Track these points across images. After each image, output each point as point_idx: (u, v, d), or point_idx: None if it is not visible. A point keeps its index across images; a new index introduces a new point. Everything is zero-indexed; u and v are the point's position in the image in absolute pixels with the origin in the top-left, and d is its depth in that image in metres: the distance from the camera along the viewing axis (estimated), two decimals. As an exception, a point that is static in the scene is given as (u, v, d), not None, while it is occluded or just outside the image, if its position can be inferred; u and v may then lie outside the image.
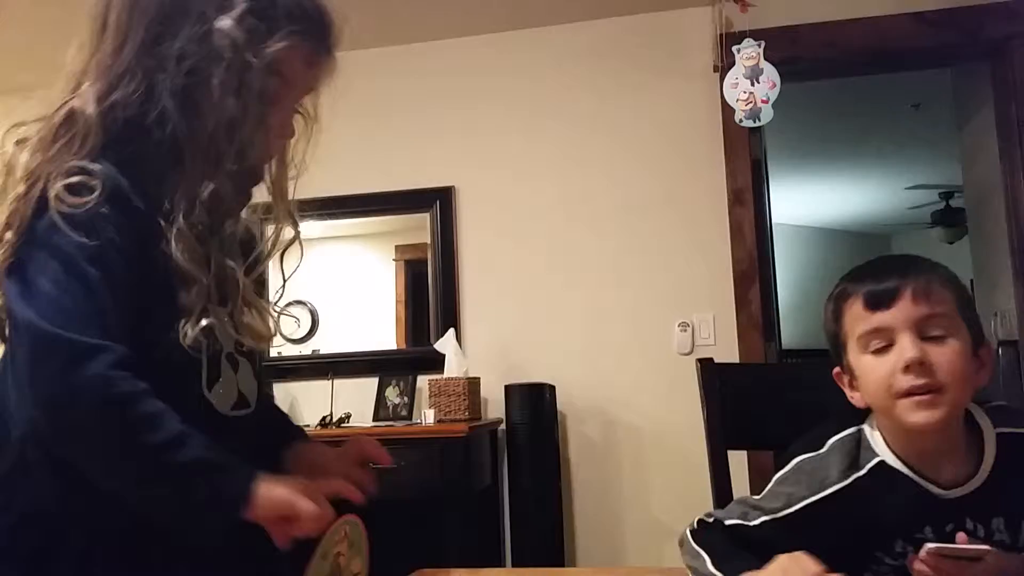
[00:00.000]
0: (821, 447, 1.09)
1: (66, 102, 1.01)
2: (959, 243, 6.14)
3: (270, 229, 1.17)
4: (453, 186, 3.44)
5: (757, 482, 1.15)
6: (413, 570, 1.30)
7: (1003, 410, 1.08)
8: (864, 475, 1.06)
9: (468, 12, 3.33)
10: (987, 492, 1.02)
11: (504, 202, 3.41)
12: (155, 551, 1.00)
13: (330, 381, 3.34)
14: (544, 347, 3.29)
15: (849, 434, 1.09)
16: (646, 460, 3.20)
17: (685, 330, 3.19)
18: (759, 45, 3.05)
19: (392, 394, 3.32)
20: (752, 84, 3.05)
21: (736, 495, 1.29)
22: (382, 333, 3.51)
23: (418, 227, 3.49)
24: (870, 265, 1.09)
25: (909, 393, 1.00)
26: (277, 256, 1.17)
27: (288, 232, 1.17)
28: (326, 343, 3.51)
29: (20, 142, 1.01)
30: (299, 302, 3.47)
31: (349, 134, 3.34)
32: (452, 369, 3.11)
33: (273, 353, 3.50)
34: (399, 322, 3.54)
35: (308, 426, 3.12)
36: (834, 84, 4.13)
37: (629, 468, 3.21)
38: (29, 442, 0.97)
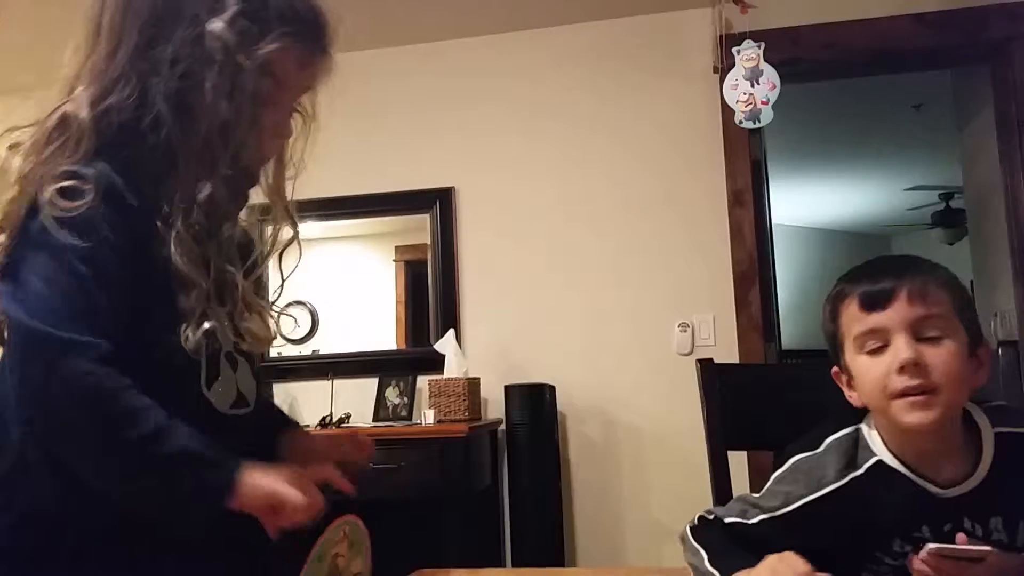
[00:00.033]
0: (818, 446, 1.10)
1: (59, 106, 1.02)
2: (959, 244, 6.14)
3: (269, 229, 1.17)
4: (453, 187, 3.44)
5: (757, 483, 1.15)
6: (413, 570, 1.30)
7: (1002, 410, 1.09)
8: (862, 474, 1.06)
9: (470, 13, 3.34)
10: (985, 492, 1.02)
11: (504, 203, 3.41)
12: (151, 548, 1.00)
13: (330, 381, 3.34)
14: (544, 347, 3.29)
15: (846, 434, 1.09)
16: (646, 460, 3.20)
17: (685, 331, 3.19)
18: (759, 46, 3.05)
19: (392, 394, 3.32)
20: (752, 85, 3.05)
21: (735, 495, 1.29)
22: (382, 333, 3.51)
23: (418, 228, 3.49)
24: (867, 266, 1.09)
25: (904, 394, 1.00)
26: (276, 256, 1.17)
27: (287, 232, 1.17)
28: (326, 343, 3.51)
29: (13, 146, 1.01)
30: (299, 302, 3.47)
31: (350, 135, 3.34)
32: (452, 369, 3.11)
33: (273, 353, 3.50)
34: (399, 322, 3.54)
35: (308, 426, 3.12)
36: (834, 85, 4.13)
37: (629, 468, 3.22)
38: (29, 442, 0.97)
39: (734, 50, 3.07)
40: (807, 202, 7.02)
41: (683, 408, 2.87)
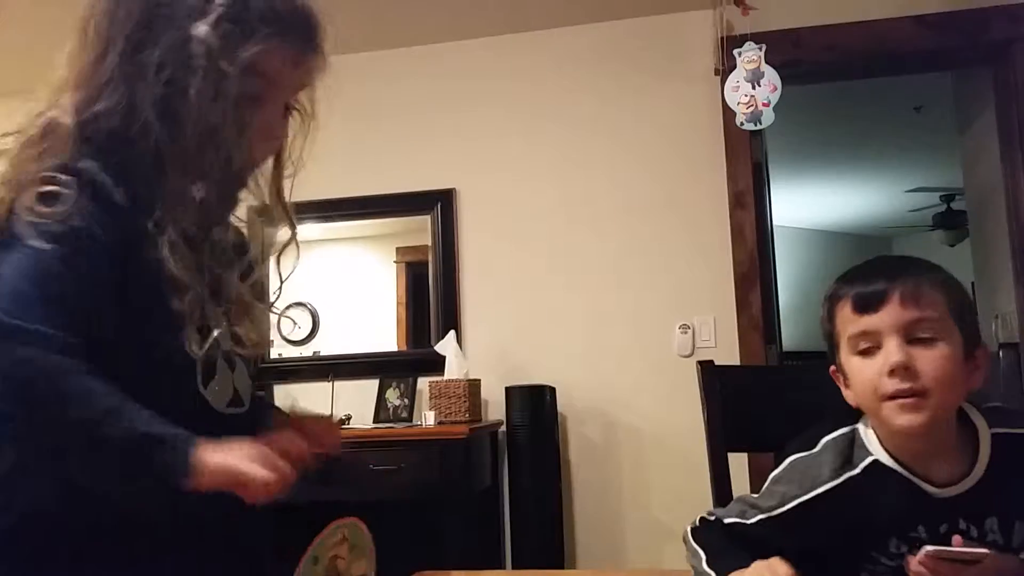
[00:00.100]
0: (815, 446, 1.10)
1: (46, 112, 1.02)
2: (960, 246, 6.14)
3: (268, 230, 1.17)
4: (454, 188, 3.44)
5: (757, 484, 1.15)
6: (413, 572, 1.30)
7: (999, 411, 1.09)
8: (858, 474, 1.06)
9: (471, 16, 3.34)
10: (981, 492, 1.02)
11: (505, 204, 3.41)
12: (151, 548, 1.00)
13: (331, 383, 3.35)
14: (544, 349, 3.29)
15: (843, 433, 1.10)
16: (646, 462, 3.20)
17: (686, 332, 3.19)
18: (760, 48, 3.05)
19: (392, 396, 3.32)
20: (753, 87, 3.05)
21: (736, 496, 1.29)
22: (383, 335, 3.52)
23: (419, 229, 3.49)
24: (862, 267, 1.09)
25: (894, 396, 1.00)
26: (275, 258, 1.17)
27: (285, 232, 1.17)
28: (327, 345, 3.51)
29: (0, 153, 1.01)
30: (300, 304, 3.47)
31: (352, 136, 3.35)
32: (452, 371, 3.11)
33: (274, 355, 3.51)
34: (400, 324, 3.54)
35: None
36: (835, 87, 4.13)
37: (629, 470, 3.21)
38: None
39: (735, 52, 3.07)
40: (808, 204, 7.02)
41: (683, 409, 2.87)
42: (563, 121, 3.39)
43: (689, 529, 1.16)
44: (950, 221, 6.64)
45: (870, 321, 1.03)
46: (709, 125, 3.22)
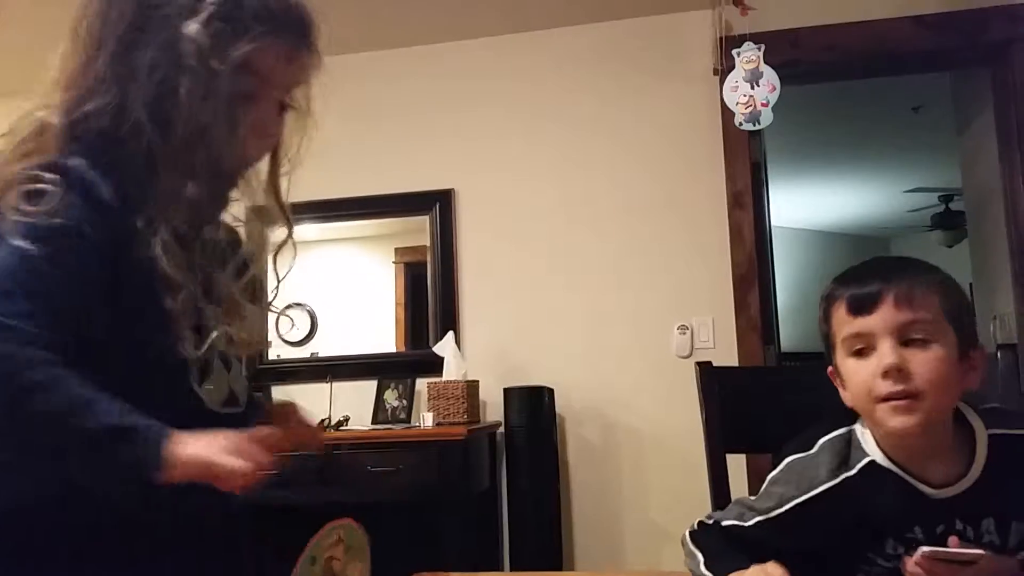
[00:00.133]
0: (812, 447, 1.10)
1: (36, 112, 1.01)
2: (959, 246, 6.14)
3: (265, 229, 1.17)
4: (452, 189, 3.44)
5: (756, 485, 1.15)
6: (411, 573, 1.30)
7: (996, 412, 1.09)
8: (854, 474, 1.07)
9: (471, 16, 3.34)
10: (978, 493, 1.02)
11: (503, 205, 3.41)
12: (151, 548, 1.00)
13: (329, 384, 3.34)
14: (543, 350, 3.29)
15: (840, 434, 1.10)
16: (645, 463, 3.19)
17: (684, 333, 3.19)
18: (759, 48, 3.05)
19: (391, 397, 3.31)
20: (752, 87, 3.05)
21: (734, 498, 1.29)
22: (381, 336, 3.51)
23: (417, 230, 3.49)
24: (857, 268, 1.09)
25: (887, 398, 1.00)
26: (271, 257, 1.17)
27: (282, 232, 1.16)
28: (325, 346, 3.51)
29: None
30: (298, 305, 3.47)
31: (350, 137, 3.35)
32: (451, 372, 3.11)
33: (272, 356, 3.51)
34: (398, 325, 3.54)
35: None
36: (834, 87, 4.13)
37: (628, 471, 3.21)
38: None
39: (734, 52, 3.07)
40: (807, 204, 7.02)
41: (682, 410, 2.86)
42: (561, 121, 3.39)
43: (687, 532, 1.16)
44: (948, 222, 6.64)
45: (864, 323, 1.03)
46: (708, 125, 3.22)
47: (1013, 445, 1.03)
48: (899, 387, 0.99)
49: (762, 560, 1.02)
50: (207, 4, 1.01)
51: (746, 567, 1.03)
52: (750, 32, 3.07)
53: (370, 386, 3.35)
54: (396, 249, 3.60)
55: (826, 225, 7.76)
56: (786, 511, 1.09)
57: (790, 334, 4.37)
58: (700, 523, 1.17)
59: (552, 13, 3.32)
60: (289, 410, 1.21)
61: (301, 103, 1.13)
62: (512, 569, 3.09)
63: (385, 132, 3.50)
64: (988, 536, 1.03)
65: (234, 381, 1.10)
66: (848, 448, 1.08)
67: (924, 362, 1.00)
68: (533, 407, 3.07)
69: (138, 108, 1.00)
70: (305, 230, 3.32)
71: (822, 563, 1.09)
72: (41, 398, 0.87)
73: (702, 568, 1.09)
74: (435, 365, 3.17)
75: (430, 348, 3.25)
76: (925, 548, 0.95)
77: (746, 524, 1.12)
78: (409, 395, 3.29)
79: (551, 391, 3.14)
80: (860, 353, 1.04)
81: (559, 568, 3.07)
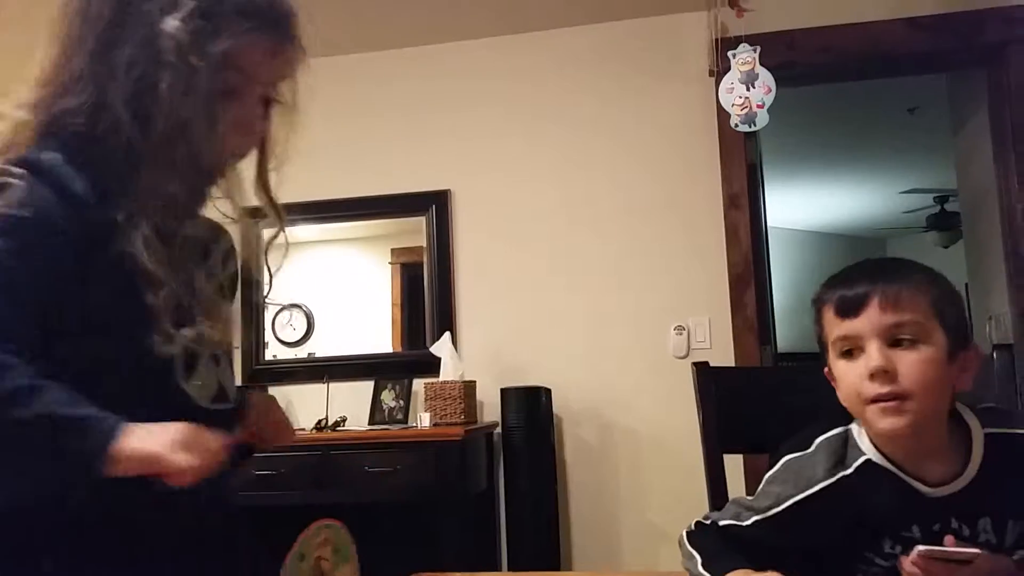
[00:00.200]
0: (809, 446, 1.11)
1: (13, 111, 1.01)
2: (954, 247, 6.15)
3: (254, 226, 1.16)
4: (449, 189, 3.44)
5: (753, 485, 1.16)
6: (409, 573, 1.30)
7: (992, 411, 1.09)
8: (851, 473, 1.07)
9: (470, 16, 3.34)
10: (974, 492, 1.03)
11: (498, 205, 3.41)
12: (151, 548, 1.00)
13: (326, 384, 3.34)
14: (540, 350, 3.29)
15: (836, 433, 1.10)
16: (642, 463, 3.20)
17: (681, 333, 3.20)
18: (754, 50, 3.06)
19: (388, 397, 3.31)
20: (748, 89, 3.05)
21: (731, 498, 1.30)
22: (378, 336, 3.51)
23: (414, 230, 3.49)
24: (846, 271, 1.10)
25: (875, 400, 1.01)
26: (263, 253, 1.17)
27: (274, 228, 1.16)
28: (322, 346, 3.51)
29: None
30: (295, 305, 3.47)
31: (347, 137, 3.35)
32: (448, 372, 3.11)
33: (269, 356, 3.51)
34: (395, 325, 3.54)
35: (303, 429, 3.12)
36: (829, 89, 4.14)
37: (625, 471, 3.22)
38: None
39: (730, 54, 3.08)
40: (803, 205, 7.03)
41: (679, 411, 2.86)
42: (557, 121, 3.39)
43: (685, 533, 1.17)
44: (944, 222, 6.65)
45: (851, 325, 1.04)
46: (704, 126, 3.22)
47: (1009, 444, 1.04)
48: (886, 388, 1.00)
49: (760, 560, 1.03)
50: (187, 0, 1.01)
51: (744, 567, 1.03)
52: (746, 34, 3.08)
53: (367, 386, 3.35)
54: (392, 250, 3.60)
55: (822, 226, 7.77)
56: (783, 510, 1.09)
57: (786, 335, 4.38)
58: (697, 523, 1.18)
59: (552, 14, 3.32)
60: (270, 404, 1.21)
61: (287, 97, 1.12)
62: (510, 569, 3.09)
63: (382, 133, 3.49)
64: (984, 535, 1.04)
65: (223, 376, 1.09)
66: (845, 447, 1.09)
67: (911, 363, 1.00)
68: (530, 407, 3.07)
69: (117, 105, 1.00)
70: (302, 231, 3.38)
71: (820, 563, 1.09)
72: None
73: (700, 568, 1.09)
74: (432, 365, 3.17)
75: (427, 348, 3.25)
76: (921, 547, 0.96)
77: (743, 524, 1.12)
78: (406, 395, 3.30)
79: (548, 391, 3.14)
80: (849, 355, 1.05)
81: (557, 568, 3.07)
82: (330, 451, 2.94)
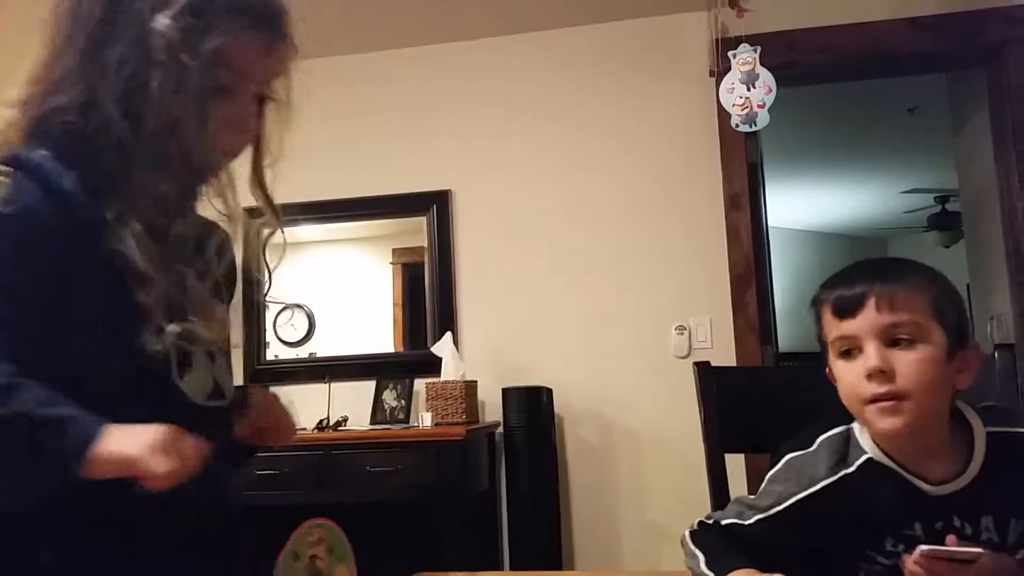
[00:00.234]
0: (811, 445, 1.11)
1: (2, 109, 1.01)
2: (955, 247, 6.15)
3: (251, 224, 1.16)
4: (450, 190, 3.45)
5: (754, 485, 1.16)
6: (411, 573, 1.30)
7: (994, 410, 1.09)
8: (853, 472, 1.07)
9: (470, 17, 3.35)
10: (976, 490, 1.03)
11: (500, 205, 3.41)
12: (151, 548, 1.00)
13: (327, 384, 3.34)
14: (541, 350, 3.29)
15: (838, 432, 1.11)
16: (643, 463, 3.20)
17: (682, 333, 3.20)
18: (755, 50, 3.06)
19: (389, 397, 3.32)
20: (748, 89, 3.06)
21: (733, 497, 1.30)
22: (379, 336, 3.52)
23: (415, 230, 3.49)
24: (844, 271, 1.10)
25: (873, 400, 1.01)
26: (261, 251, 1.16)
27: (272, 226, 1.16)
28: (323, 346, 3.51)
29: None
30: (296, 305, 3.47)
31: (348, 138, 3.35)
32: (449, 372, 3.11)
33: (270, 356, 3.51)
34: (396, 325, 3.55)
35: (304, 429, 3.12)
36: (830, 89, 4.14)
37: (626, 471, 3.22)
38: None
39: (730, 54, 3.08)
40: (803, 205, 7.03)
41: (680, 411, 2.87)
42: (558, 121, 3.39)
43: (687, 532, 1.17)
44: (945, 222, 6.65)
45: (849, 326, 1.04)
46: (705, 126, 3.23)
47: (1011, 443, 1.04)
48: (883, 389, 1.00)
49: (762, 559, 1.03)
50: None
51: (747, 566, 1.03)
52: (746, 34, 3.08)
53: (368, 386, 3.35)
54: (394, 250, 3.60)
55: (823, 226, 7.77)
56: (786, 508, 1.09)
57: (788, 334, 4.38)
58: (700, 523, 1.18)
59: (553, 14, 3.33)
60: (271, 401, 1.20)
61: (281, 95, 1.12)
62: (511, 569, 3.09)
63: (383, 133, 3.49)
64: (987, 534, 1.04)
65: (218, 373, 1.09)
66: (847, 446, 1.09)
67: (909, 363, 1.01)
68: (532, 407, 3.07)
69: (107, 103, 0.99)
70: (303, 231, 3.38)
71: (822, 561, 1.09)
72: None
73: (703, 568, 1.09)
74: (433, 365, 3.17)
75: (428, 348, 3.25)
76: (924, 547, 0.96)
77: (746, 523, 1.12)
78: (407, 395, 3.30)
79: (549, 391, 3.15)
80: (848, 355, 1.05)
81: (558, 568, 3.07)
82: (331, 451, 2.94)
